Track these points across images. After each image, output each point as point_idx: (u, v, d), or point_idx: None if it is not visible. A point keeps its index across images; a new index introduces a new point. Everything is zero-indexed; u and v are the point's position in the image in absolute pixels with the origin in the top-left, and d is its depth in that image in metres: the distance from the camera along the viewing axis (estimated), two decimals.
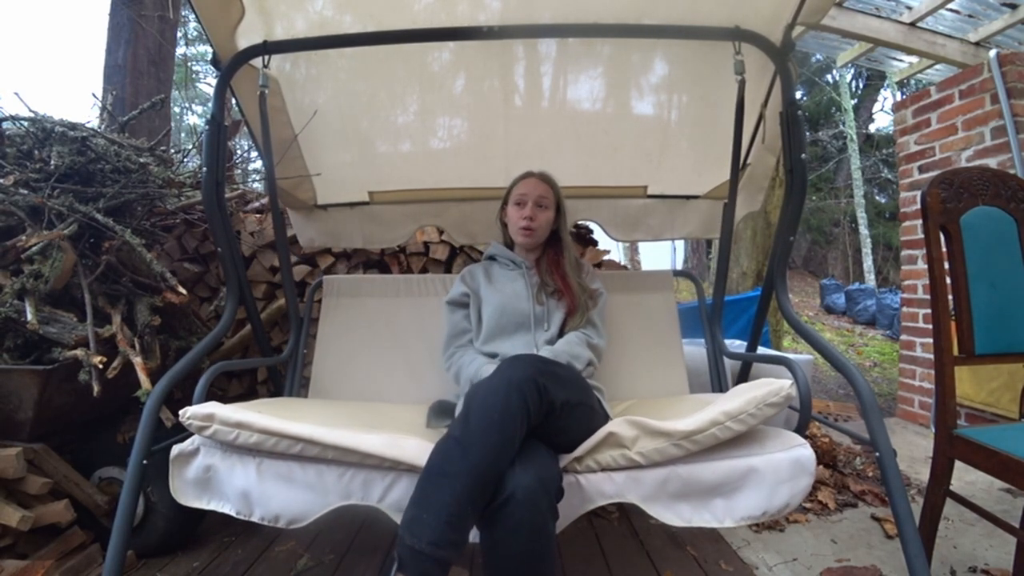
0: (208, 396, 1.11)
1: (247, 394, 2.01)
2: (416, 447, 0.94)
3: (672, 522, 0.94)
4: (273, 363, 1.53)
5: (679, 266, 10.97)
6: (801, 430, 1.03)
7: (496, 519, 0.81)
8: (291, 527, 0.96)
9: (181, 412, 0.96)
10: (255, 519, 0.97)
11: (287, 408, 1.18)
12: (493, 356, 1.31)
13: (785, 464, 0.93)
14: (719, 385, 1.52)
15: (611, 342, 1.46)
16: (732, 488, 0.94)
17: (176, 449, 1.01)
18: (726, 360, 1.55)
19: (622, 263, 2.52)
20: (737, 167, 1.49)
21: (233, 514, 0.97)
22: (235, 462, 0.98)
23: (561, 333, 1.35)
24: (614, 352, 1.52)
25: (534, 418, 0.90)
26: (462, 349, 1.37)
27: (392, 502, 0.95)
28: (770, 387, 0.94)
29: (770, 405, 0.92)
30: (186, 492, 1.01)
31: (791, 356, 1.68)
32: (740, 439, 0.95)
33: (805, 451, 0.95)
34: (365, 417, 1.23)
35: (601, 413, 1.14)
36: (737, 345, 1.97)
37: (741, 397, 0.95)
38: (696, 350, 1.73)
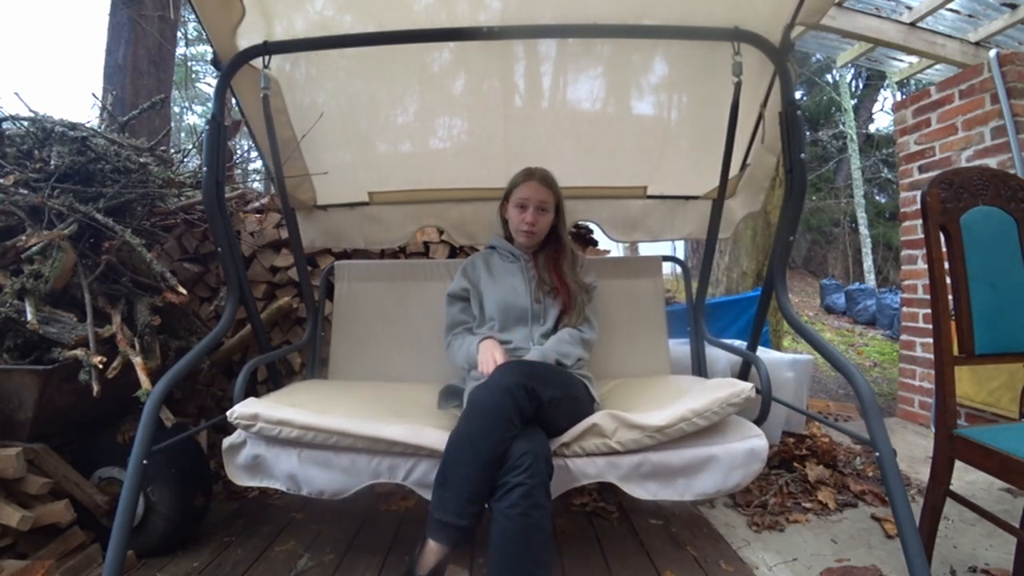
0: (207, 396, 1.14)
1: (247, 393, 2.00)
2: (434, 436, 1.10)
3: (641, 496, 1.12)
4: (299, 348, 1.68)
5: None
6: (760, 420, 1.22)
7: (501, 485, 0.98)
8: (335, 498, 1.15)
9: (228, 412, 1.12)
10: (303, 494, 1.15)
11: (316, 395, 1.34)
12: (506, 343, 1.42)
13: (741, 453, 1.10)
14: (699, 370, 1.68)
15: (602, 323, 1.55)
16: (694, 471, 1.11)
17: (227, 441, 1.17)
18: (726, 356, 1.62)
19: None
20: (727, 168, 1.50)
21: (284, 490, 1.15)
22: (279, 452, 1.14)
23: (556, 327, 1.45)
24: (603, 334, 1.58)
25: (526, 413, 1.05)
26: (459, 337, 1.47)
27: (414, 479, 1.13)
28: (732, 389, 1.10)
29: (731, 405, 1.09)
30: (240, 475, 1.17)
31: (772, 355, 1.73)
32: (705, 429, 1.10)
33: (760, 442, 1.11)
34: (386, 403, 1.38)
35: (587, 400, 1.29)
36: (737, 345, 1.97)
37: (708, 396, 1.10)
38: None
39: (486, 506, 1.01)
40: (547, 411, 1.11)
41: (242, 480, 1.17)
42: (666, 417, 1.08)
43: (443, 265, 1.80)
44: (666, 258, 1.88)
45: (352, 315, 1.75)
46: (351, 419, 1.11)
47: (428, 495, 1.06)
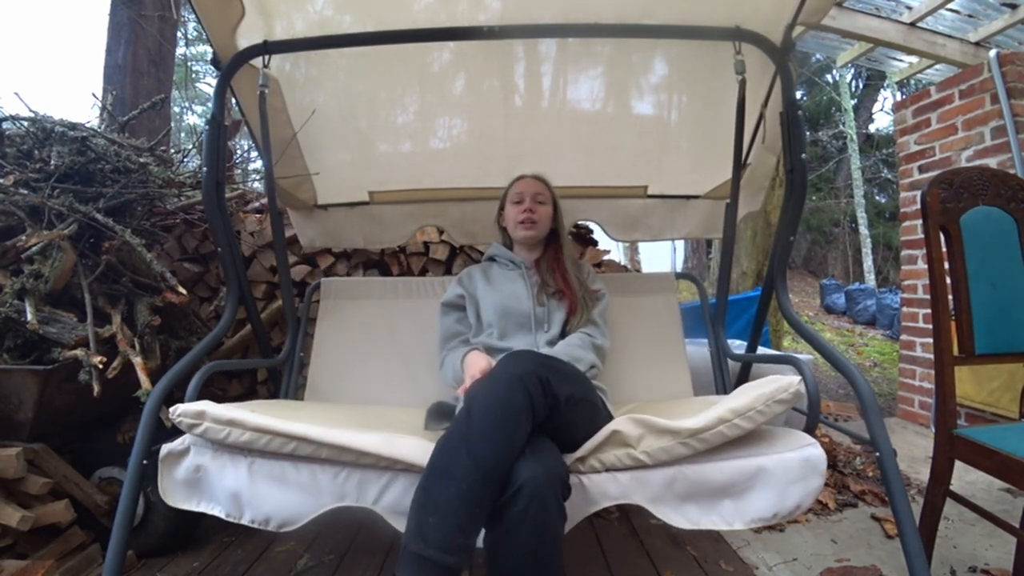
0: (207, 396, 1.11)
1: (247, 394, 2.01)
2: (414, 446, 0.92)
3: (680, 524, 0.92)
4: (269, 365, 1.52)
5: (679, 266, 10.97)
6: (810, 430, 1.00)
7: (502, 514, 0.78)
8: (282, 530, 0.94)
9: (171, 409, 0.95)
10: (245, 522, 0.95)
11: (282, 409, 1.17)
12: (507, 351, 1.26)
13: (795, 464, 0.91)
14: (723, 386, 1.51)
15: (614, 344, 1.45)
16: (741, 489, 0.92)
17: (166, 448, 0.99)
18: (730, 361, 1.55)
19: (622, 263, 2.52)
20: (739, 167, 1.49)
21: (223, 516, 0.96)
22: (226, 462, 0.96)
23: (563, 333, 1.33)
24: (617, 354, 1.51)
25: (539, 412, 0.87)
26: (453, 351, 1.34)
27: (387, 504, 0.94)
28: (778, 384, 0.91)
29: (779, 402, 0.89)
30: (175, 493, 0.99)
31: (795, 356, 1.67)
32: (748, 438, 0.93)
33: (815, 450, 0.92)
34: (361, 419, 1.21)
35: (604, 412, 1.12)
36: (737, 345, 1.97)
37: (749, 394, 0.92)
38: (696, 350, 1.73)
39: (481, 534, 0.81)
40: (563, 413, 0.92)
41: (177, 499, 0.98)
42: (703, 419, 0.89)
43: (437, 282, 1.71)
44: (679, 275, 1.79)
45: (336, 334, 1.64)
46: (316, 425, 0.92)
47: (404, 526, 0.80)
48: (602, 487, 0.94)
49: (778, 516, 0.91)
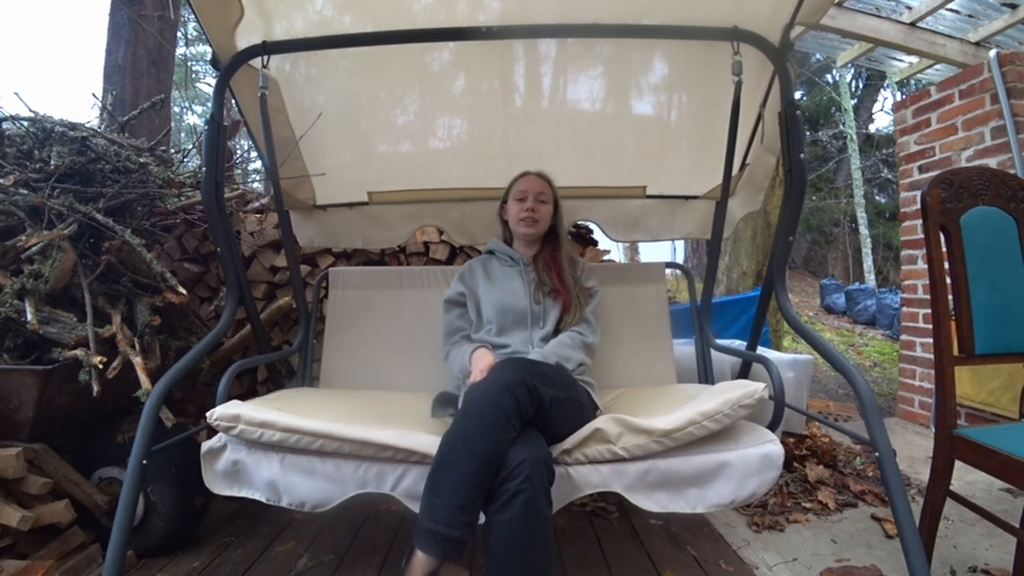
0: (207, 396, 1.13)
1: (247, 393, 2.01)
2: (425, 439, 1.05)
3: (649, 508, 1.04)
4: (287, 355, 1.60)
5: None
6: (773, 426, 1.14)
7: (498, 491, 0.91)
8: (316, 511, 1.06)
9: (208, 413, 1.04)
10: (283, 504, 1.07)
11: (304, 401, 1.27)
12: (504, 347, 1.37)
13: (755, 459, 1.03)
14: (706, 377, 1.60)
15: (603, 332, 1.51)
16: (706, 480, 1.04)
17: (205, 446, 1.09)
18: (727, 357, 1.59)
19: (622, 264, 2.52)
20: (730, 168, 1.50)
21: (264, 500, 1.07)
22: (260, 457, 1.07)
23: (557, 329, 1.40)
24: (606, 342, 1.56)
25: (526, 413, 0.99)
26: (456, 346, 1.42)
27: (403, 489, 1.06)
28: (745, 390, 1.03)
29: (743, 407, 1.01)
30: (218, 483, 1.10)
31: (772, 355, 1.70)
32: (715, 434, 1.04)
33: (775, 447, 1.04)
34: (376, 409, 1.32)
35: (589, 406, 1.23)
36: (737, 345, 1.97)
37: (718, 398, 1.04)
38: (692, 350, 1.74)
39: (481, 515, 0.94)
40: (548, 413, 1.05)
41: (220, 488, 1.09)
42: (674, 420, 1.01)
43: (440, 272, 1.75)
44: (669, 264, 1.83)
45: (345, 322, 1.71)
46: (338, 423, 1.05)
47: (418, 508, 0.97)
48: (586, 477, 1.06)
49: (735, 502, 1.03)
